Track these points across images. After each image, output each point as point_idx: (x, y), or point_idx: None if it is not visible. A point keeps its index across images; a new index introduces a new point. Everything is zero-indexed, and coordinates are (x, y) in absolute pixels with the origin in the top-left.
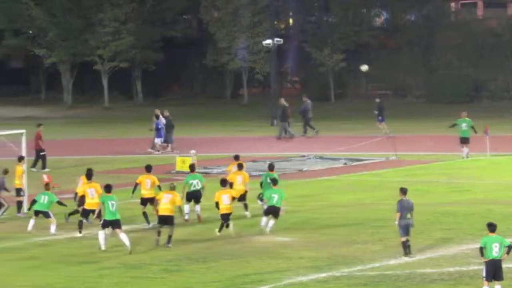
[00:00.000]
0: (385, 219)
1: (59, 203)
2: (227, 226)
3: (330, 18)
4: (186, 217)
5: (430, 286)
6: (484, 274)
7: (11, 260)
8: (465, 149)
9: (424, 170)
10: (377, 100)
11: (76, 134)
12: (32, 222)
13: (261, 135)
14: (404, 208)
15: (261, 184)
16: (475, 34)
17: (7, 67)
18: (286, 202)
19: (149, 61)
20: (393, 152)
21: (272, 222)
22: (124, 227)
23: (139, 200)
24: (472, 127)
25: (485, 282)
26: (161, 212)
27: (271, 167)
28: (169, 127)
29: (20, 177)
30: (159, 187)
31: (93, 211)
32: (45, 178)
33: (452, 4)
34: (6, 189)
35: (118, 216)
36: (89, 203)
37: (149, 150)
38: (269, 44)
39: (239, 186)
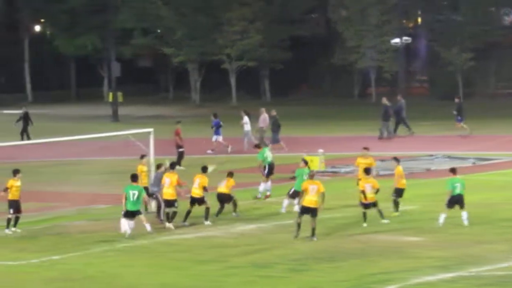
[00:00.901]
0: None
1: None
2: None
3: (458, 17)
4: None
5: None
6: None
7: (139, 259)
8: None
9: None
10: (456, 100)
11: (203, 133)
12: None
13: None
14: None
15: None
16: None
17: (135, 66)
18: (416, 202)
19: (276, 60)
20: None
21: (465, 213)
22: (250, 226)
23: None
24: None
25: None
26: (306, 204)
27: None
28: (276, 126)
29: (145, 176)
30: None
31: (169, 201)
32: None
33: None
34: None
35: (138, 207)
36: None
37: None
38: (397, 43)
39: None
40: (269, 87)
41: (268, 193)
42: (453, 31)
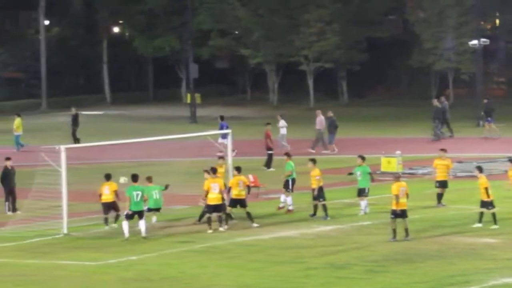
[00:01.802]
0: None
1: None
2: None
3: None
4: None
5: None
6: None
7: (216, 259)
8: None
9: None
10: (485, 101)
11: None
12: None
13: (466, 136)
14: None
15: None
16: None
17: (213, 68)
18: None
19: (354, 61)
20: None
21: None
22: (327, 227)
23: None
24: None
25: None
26: (400, 207)
27: None
28: (332, 127)
29: (221, 176)
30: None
31: (216, 207)
32: (251, 178)
33: None
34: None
35: (141, 207)
36: (212, 198)
37: (309, 150)
38: (475, 44)
39: None
40: (346, 88)
41: (290, 207)
42: None
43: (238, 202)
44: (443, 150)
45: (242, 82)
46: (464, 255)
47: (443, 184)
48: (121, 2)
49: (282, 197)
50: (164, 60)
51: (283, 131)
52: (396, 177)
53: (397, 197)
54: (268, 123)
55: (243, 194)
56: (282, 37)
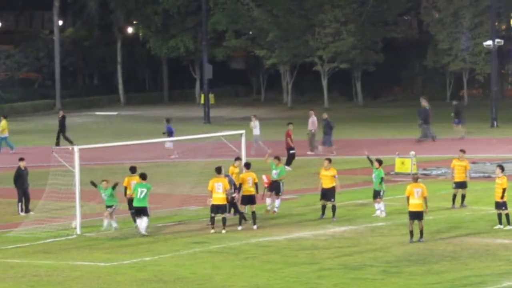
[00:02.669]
0: None
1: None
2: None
3: None
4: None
5: None
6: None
7: (230, 260)
8: None
9: None
10: (454, 103)
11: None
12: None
13: (481, 137)
14: None
15: None
16: None
17: (228, 68)
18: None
19: (369, 62)
20: None
21: None
22: (341, 228)
23: None
24: None
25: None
26: (413, 208)
27: None
28: (328, 129)
29: (236, 177)
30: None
31: (219, 207)
32: (265, 178)
33: None
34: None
35: (145, 204)
36: (216, 198)
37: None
38: (489, 45)
39: None
40: (361, 89)
41: (276, 209)
42: None
43: (248, 199)
44: (462, 151)
45: (256, 82)
46: (479, 256)
47: (460, 185)
48: (135, 2)
49: (269, 201)
50: (179, 60)
51: (256, 131)
52: (414, 178)
53: (407, 198)
54: (290, 123)
55: (252, 190)
56: (297, 37)
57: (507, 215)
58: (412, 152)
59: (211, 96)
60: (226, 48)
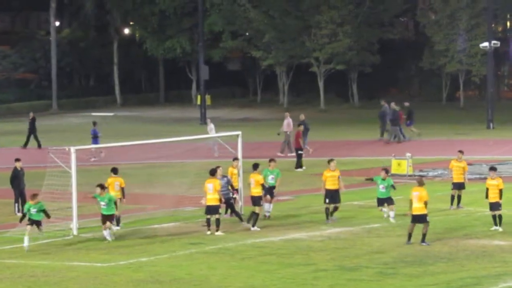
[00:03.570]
0: None
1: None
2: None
3: None
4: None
5: None
6: None
7: (226, 261)
8: None
9: None
10: (406, 104)
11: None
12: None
13: (477, 138)
14: None
15: None
16: None
17: (224, 69)
18: (505, 206)
19: (365, 63)
20: None
21: None
22: (337, 229)
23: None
24: None
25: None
26: (415, 212)
27: None
28: (305, 130)
29: (235, 178)
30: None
31: (210, 208)
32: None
33: None
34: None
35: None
36: (208, 199)
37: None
38: (486, 47)
39: None
40: (357, 90)
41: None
42: None
43: (253, 199)
44: (461, 152)
45: (253, 83)
46: (475, 257)
47: (458, 186)
48: (132, 3)
49: (267, 206)
50: (175, 61)
51: (212, 133)
52: (418, 181)
53: (410, 201)
54: (300, 124)
55: (254, 192)
56: (294, 38)
57: (500, 216)
58: (408, 154)
59: (207, 97)
60: (223, 49)
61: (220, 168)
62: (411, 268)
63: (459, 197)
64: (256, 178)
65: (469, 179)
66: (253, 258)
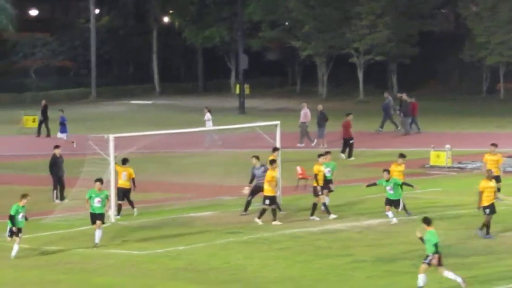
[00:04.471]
0: None
1: None
2: None
3: None
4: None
5: None
6: None
7: (265, 251)
8: None
9: None
10: (399, 95)
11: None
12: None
13: None
14: None
15: None
16: None
17: (263, 59)
18: None
19: (404, 55)
20: None
21: None
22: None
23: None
24: None
25: None
26: (483, 203)
27: None
28: (322, 121)
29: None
30: None
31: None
32: (299, 170)
33: None
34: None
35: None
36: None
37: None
38: None
39: None
40: (396, 81)
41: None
42: None
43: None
44: (493, 145)
45: (292, 73)
46: None
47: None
48: None
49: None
50: (214, 50)
51: (209, 124)
52: (488, 175)
53: (480, 193)
54: (349, 113)
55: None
56: (333, 29)
57: None
58: (448, 146)
59: (246, 86)
60: (262, 38)
61: (256, 158)
62: (449, 260)
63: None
64: (318, 169)
65: (508, 172)
66: (291, 248)
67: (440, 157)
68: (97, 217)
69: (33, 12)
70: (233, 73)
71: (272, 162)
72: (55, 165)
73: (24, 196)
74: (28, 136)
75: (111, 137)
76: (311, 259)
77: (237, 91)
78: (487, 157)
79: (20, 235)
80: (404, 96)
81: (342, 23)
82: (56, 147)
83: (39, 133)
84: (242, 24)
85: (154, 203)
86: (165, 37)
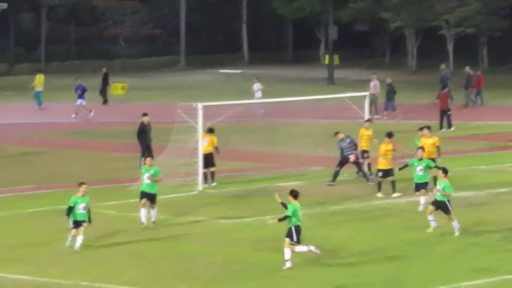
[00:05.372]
0: None
1: None
2: None
3: None
4: None
5: None
6: None
7: (350, 221)
8: None
9: None
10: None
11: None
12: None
13: None
14: None
15: None
16: None
17: (352, 30)
18: None
19: (495, 28)
20: None
21: None
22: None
23: None
24: None
25: None
26: None
27: None
28: (391, 94)
29: (366, 140)
30: None
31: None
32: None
33: None
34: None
35: (155, 190)
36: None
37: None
38: None
39: None
40: (487, 54)
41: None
42: None
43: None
44: None
45: (380, 45)
46: None
47: None
48: None
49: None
50: (304, 21)
51: (258, 94)
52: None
53: None
54: (445, 86)
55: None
56: (423, 1)
57: None
58: None
59: (335, 57)
60: (351, 10)
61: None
62: None
63: None
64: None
65: None
66: (377, 220)
67: None
68: (147, 196)
69: None
70: (322, 44)
71: (390, 135)
72: (143, 132)
73: (80, 184)
74: (115, 104)
75: (200, 105)
76: (397, 230)
77: (326, 61)
78: None
79: (84, 224)
80: (468, 68)
81: None
82: (144, 114)
83: (106, 101)
84: None
85: (241, 172)
86: (255, 6)
